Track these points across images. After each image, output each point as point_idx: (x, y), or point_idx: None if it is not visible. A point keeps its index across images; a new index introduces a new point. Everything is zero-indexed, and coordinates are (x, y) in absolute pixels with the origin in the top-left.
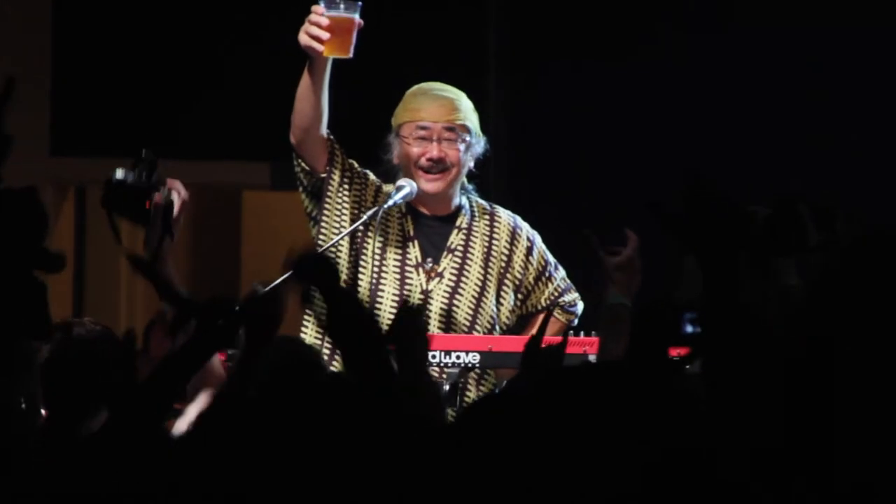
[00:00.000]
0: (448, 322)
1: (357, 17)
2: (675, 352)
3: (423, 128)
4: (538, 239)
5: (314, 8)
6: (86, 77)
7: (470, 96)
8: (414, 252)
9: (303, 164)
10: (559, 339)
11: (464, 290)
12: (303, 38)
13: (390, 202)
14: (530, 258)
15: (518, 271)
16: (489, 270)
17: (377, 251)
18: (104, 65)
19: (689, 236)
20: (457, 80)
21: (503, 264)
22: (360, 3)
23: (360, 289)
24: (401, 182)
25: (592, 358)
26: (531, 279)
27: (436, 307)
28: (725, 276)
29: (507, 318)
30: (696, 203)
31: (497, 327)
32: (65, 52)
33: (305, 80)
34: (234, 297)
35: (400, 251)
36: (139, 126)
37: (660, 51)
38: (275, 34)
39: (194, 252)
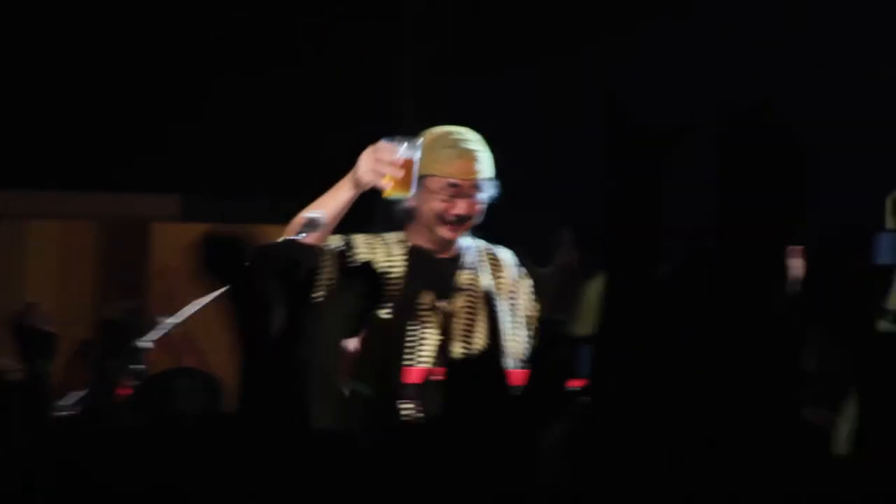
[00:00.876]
0: None
1: (417, 155)
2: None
3: (453, 185)
4: None
5: (383, 146)
6: None
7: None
8: (427, 294)
9: None
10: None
11: (478, 326)
12: (369, 175)
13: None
14: (534, 295)
15: (525, 307)
16: (500, 305)
17: None
18: (12, 95)
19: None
20: (370, 104)
21: (511, 299)
22: (420, 141)
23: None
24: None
25: None
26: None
27: (455, 346)
28: (629, 301)
29: (524, 352)
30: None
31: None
32: None
33: (336, 203)
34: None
35: None
36: (46, 157)
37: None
38: (187, 66)
39: (100, 286)
